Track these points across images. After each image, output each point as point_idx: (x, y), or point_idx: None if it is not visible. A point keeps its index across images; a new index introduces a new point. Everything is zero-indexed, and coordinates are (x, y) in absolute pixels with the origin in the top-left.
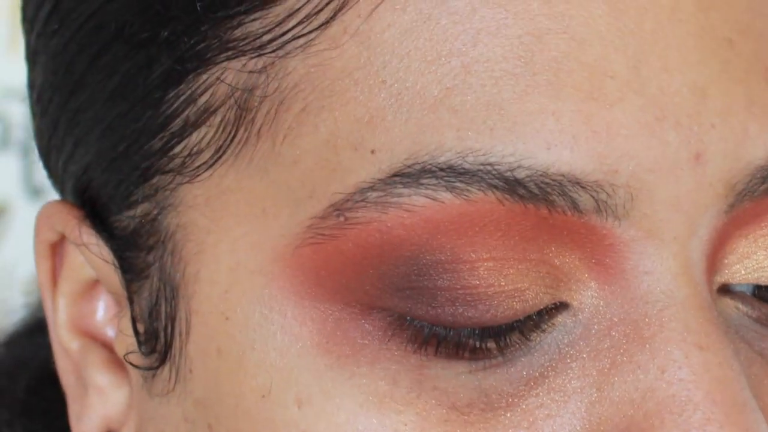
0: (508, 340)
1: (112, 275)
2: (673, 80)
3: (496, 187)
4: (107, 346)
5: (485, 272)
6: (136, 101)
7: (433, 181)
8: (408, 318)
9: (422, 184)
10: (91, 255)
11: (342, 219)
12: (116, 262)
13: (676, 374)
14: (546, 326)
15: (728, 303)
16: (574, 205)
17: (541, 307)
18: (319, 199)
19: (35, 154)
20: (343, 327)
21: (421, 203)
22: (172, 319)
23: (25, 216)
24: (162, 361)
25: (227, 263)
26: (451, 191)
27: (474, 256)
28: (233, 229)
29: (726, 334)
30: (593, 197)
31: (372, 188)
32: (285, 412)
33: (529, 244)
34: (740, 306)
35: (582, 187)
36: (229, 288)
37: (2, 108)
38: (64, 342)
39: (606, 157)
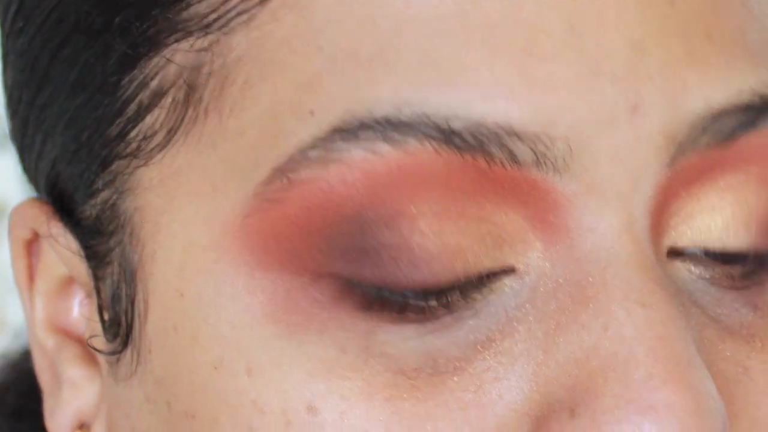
0: (452, 301)
1: (81, 267)
2: (609, 36)
3: (432, 137)
4: (81, 342)
5: (425, 227)
6: (95, 90)
7: (371, 134)
8: (355, 283)
9: (360, 138)
10: (59, 248)
11: (285, 181)
12: (82, 252)
13: (619, 332)
14: (492, 287)
15: (679, 266)
16: (513, 157)
17: (486, 270)
18: (263, 166)
19: None
20: (292, 296)
21: (360, 157)
22: (131, 301)
23: None
24: (124, 344)
25: (181, 241)
26: (388, 143)
27: (414, 210)
28: (186, 207)
29: (670, 293)
30: (531, 149)
31: (312, 147)
32: (236, 382)
33: (469, 199)
34: (692, 268)
35: (519, 139)
36: (183, 265)
37: (2, 108)
38: (41, 340)
39: (543, 108)
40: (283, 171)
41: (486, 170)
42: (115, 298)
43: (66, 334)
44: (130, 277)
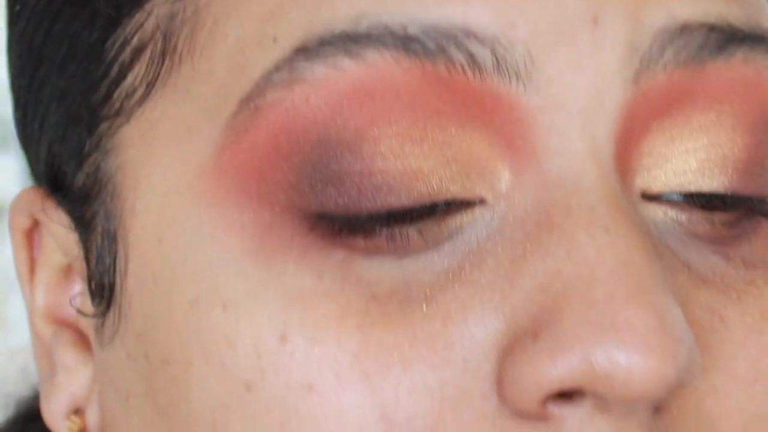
0: (424, 228)
1: (73, 242)
2: None
3: (390, 46)
4: (76, 329)
5: (386, 150)
6: (83, 58)
7: (331, 49)
8: (327, 213)
9: (321, 55)
10: (54, 227)
11: (252, 108)
12: (72, 225)
13: (582, 255)
14: (463, 218)
15: (654, 208)
16: (473, 61)
17: (454, 197)
18: (232, 99)
19: None
20: (267, 230)
21: (322, 74)
22: (113, 258)
23: None
24: (108, 305)
25: (159, 189)
26: (348, 56)
27: (376, 132)
28: (163, 155)
29: (635, 222)
30: (491, 51)
31: (276, 70)
32: (210, 318)
33: (432, 119)
34: (669, 211)
35: (478, 40)
36: (162, 212)
37: (2, 108)
38: (39, 330)
39: (501, 10)
40: (250, 98)
41: (447, 80)
42: (100, 260)
43: (63, 323)
44: (112, 235)
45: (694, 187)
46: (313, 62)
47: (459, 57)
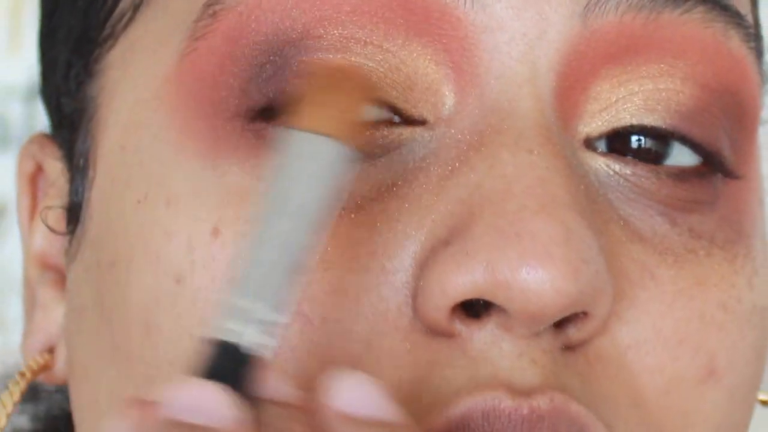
0: (371, 136)
1: (60, 174)
2: None
3: None
4: (60, 270)
5: (329, 45)
6: None
7: None
8: (270, 119)
9: None
10: (49, 162)
11: (210, 12)
12: (62, 154)
13: (501, 170)
14: (403, 135)
15: (597, 159)
16: None
17: (394, 105)
18: (195, 7)
19: None
20: (218, 133)
21: None
22: (83, 177)
23: None
24: (76, 221)
25: (129, 101)
26: None
27: (322, 32)
28: (136, 70)
29: (562, 153)
30: None
31: None
32: (154, 213)
33: (378, 25)
34: (612, 165)
35: None
36: (128, 121)
37: (2, 108)
38: (29, 273)
39: None
40: (208, 4)
41: None
42: (74, 181)
43: (49, 266)
44: (86, 155)
45: (635, 120)
46: None
47: None
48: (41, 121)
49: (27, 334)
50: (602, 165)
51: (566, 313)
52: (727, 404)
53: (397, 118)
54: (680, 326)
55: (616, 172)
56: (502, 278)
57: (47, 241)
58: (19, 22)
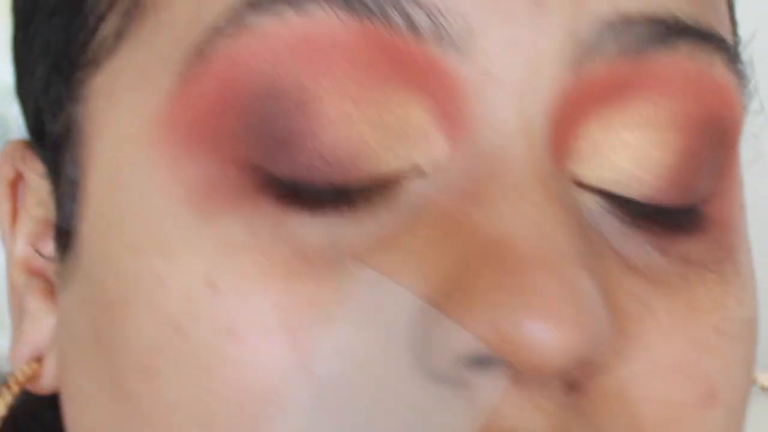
0: (361, 194)
1: (46, 192)
2: None
3: (335, 3)
4: (47, 278)
5: (332, 111)
6: (67, 9)
7: (278, 2)
8: (269, 172)
9: (269, 8)
10: (32, 177)
11: (201, 58)
12: (46, 173)
13: (500, 221)
14: (399, 187)
15: (586, 196)
16: (411, 24)
17: (392, 165)
18: (184, 48)
19: None
20: (211, 181)
21: (268, 26)
22: (73, 204)
23: None
24: (65, 249)
25: (116, 136)
26: (294, 10)
27: (320, 87)
28: (122, 102)
29: (559, 198)
30: (431, 18)
31: (225, 21)
32: (149, 263)
33: (373, 82)
34: (601, 202)
35: (418, 6)
36: (116, 158)
37: (2, 108)
38: (14, 279)
39: None
40: (199, 48)
41: (387, 41)
42: (61, 206)
43: (36, 273)
44: (74, 182)
45: (622, 189)
46: (260, 14)
47: (398, 20)
48: (15, 90)
49: (15, 342)
50: (593, 202)
51: (572, 366)
52: (727, 421)
53: (393, 168)
54: (677, 355)
55: (605, 209)
56: (507, 336)
57: (30, 248)
58: None
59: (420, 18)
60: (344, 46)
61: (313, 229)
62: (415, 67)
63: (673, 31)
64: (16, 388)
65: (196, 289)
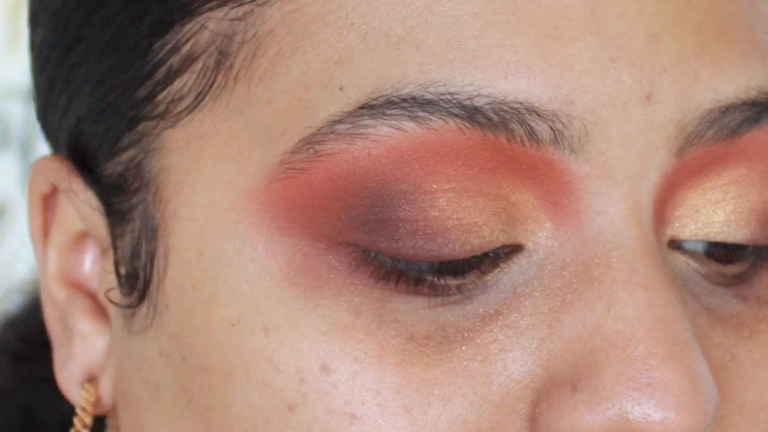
0: (465, 277)
1: (99, 222)
2: (628, 26)
3: (456, 115)
4: (92, 296)
5: (444, 203)
6: (126, 53)
7: (397, 111)
8: (372, 252)
9: (387, 115)
10: (79, 203)
11: (312, 152)
12: (102, 208)
13: (621, 312)
14: (502, 266)
15: (678, 257)
16: (532, 134)
17: (498, 246)
18: (290, 135)
19: (35, 153)
20: (310, 261)
21: (385, 133)
22: (151, 257)
23: (24, 216)
24: (141, 298)
25: (203, 201)
26: (413, 120)
27: (435, 186)
28: (210, 168)
29: (670, 279)
30: (550, 126)
31: (340, 121)
32: (252, 340)
33: (487, 176)
34: (690, 262)
35: (539, 116)
36: (205, 225)
37: (2, 108)
38: (52, 291)
39: (561, 88)
40: (311, 142)
41: (506, 147)
42: (134, 253)
43: (77, 287)
44: (151, 233)
45: (721, 237)
46: (377, 120)
47: (520, 130)
48: (36, 99)
49: (64, 362)
50: (683, 262)
51: None
52: None
53: (497, 255)
54: (759, 396)
55: (692, 269)
56: (636, 425)
57: (65, 259)
58: (19, 22)
59: (540, 127)
60: (463, 151)
61: (414, 312)
62: (533, 167)
63: (765, 109)
64: (88, 419)
65: (308, 372)
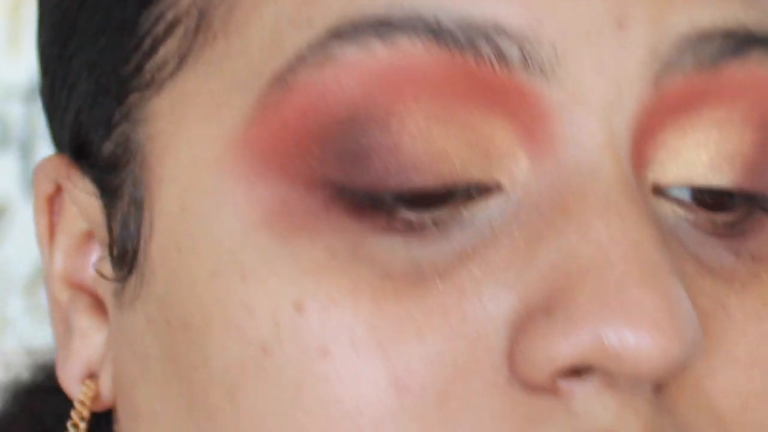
0: (440, 209)
1: (96, 210)
2: None
3: (422, 35)
4: (93, 294)
5: (414, 128)
6: (115, 31)
7: (364, 33)
8: (346, 188)
9: (354, 38)
10: (77, 194)
11: (283, 86)
12: (98, 192)
13: (595, 237)
14: (479, 203)
15: (664, 204)
16: (500, 55)
17: (473, 182)
18: (264, 76)
19: (35, 153)
20: (288, 205)
21: (353, 56)
22: (138, 226)
23: (24, 216)
24: (130, 271)
25: (186, 160)
26: (381, 42)
27: (404, 110)
28: (193, 127)
29: (646, 209)
30: (518, 47)
31: (309, 50)
32: (229, 287)
33: (458, 104)
34: (677, 209)
35: (507, 36)
36: (188, 183)
37: (2, 108)
38: (57, 294)
39: (530, 8)
40: (282, 77)
41: (475, 70)
42: (124, 226)
43: (80, 288)
44: (138, 203)
45: (703, 180)
46: (345, 44)
47: (488, 51)
48: (41, 121)
49: (65, 360)
50: (669, 210)
51: (672, 371)
52: None
53: (474, 192)
54: (752, 349)
55: (680, 216)
56: (611, 349)
57: (71, 260)
58: (19, 22)
59: (509, 48)
60: (431, 73)
61: (390, 250)
62: (504, 93)
63: (745, 42)
64: (86, 413)
65: (282, 312)
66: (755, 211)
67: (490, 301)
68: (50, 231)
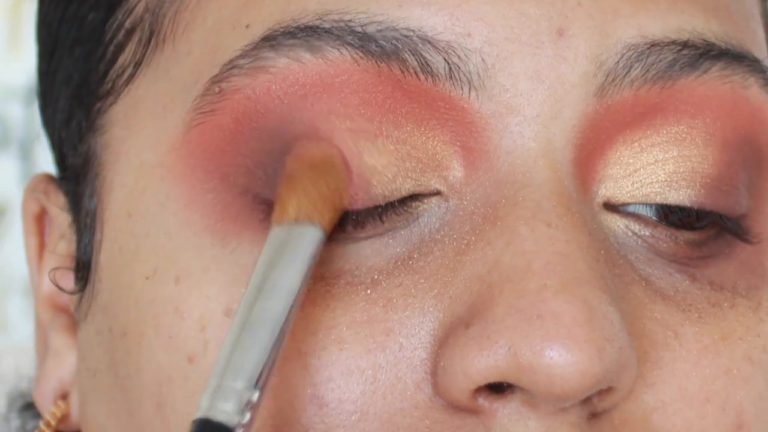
0: (373, 223)
1: (65, 225)
2: None
3: (350, 44)
4: (70, 314)
5: (342, 143)
6: (87, 40)
7: (295, 42)
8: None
9: (285, 46)
10: (54, 209)
11: (218, 91)
12: (67, 206)
13: (520, 246)
14: (416, 212)
15: (616, 220)
16: (426, 66)
17: (408, 192)
18: (201, 80)
19: (35, 153)
20: (226, 209)
21: (284, 65)
22: (92, 236)
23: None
24: (85, 282)
25: (134, 164)
26: (309, 51)
27: (331, 126)
28: (142, 132)
29: (582, 222)
30: (444, 59)
31: (242, 56)
32: (163, 290)
33: (386, 116)
34: (631, 225)
35: (433, 47)
36: (134, 187)
37: (2, 108)
38: (41, 314)
39: (458, 18)
40: (216, 81)
41: (401, 80)
42: (81, 238)
43: (60, 308)
44: (92, 213)
45: (660, 198)
46: (276, 52)
47: (413, 61)
48: (41, 121)
49: (40, 379)
50: (621, 226)
51: (592, 392)
52: None
53: (410, 202)
54: (706, 384)
55: (634, 233)
56: (525, 363)
57: (54, 284)
58: (18, 22)
59: (434, 59)
60: (359, 86)
61: (329, 251)
62: (430, 104)
63: (703, 54)
64: (54, 424)
65: (211, 317)
66: (724, 233)
67: (415, 314)
68: (39, 251)
